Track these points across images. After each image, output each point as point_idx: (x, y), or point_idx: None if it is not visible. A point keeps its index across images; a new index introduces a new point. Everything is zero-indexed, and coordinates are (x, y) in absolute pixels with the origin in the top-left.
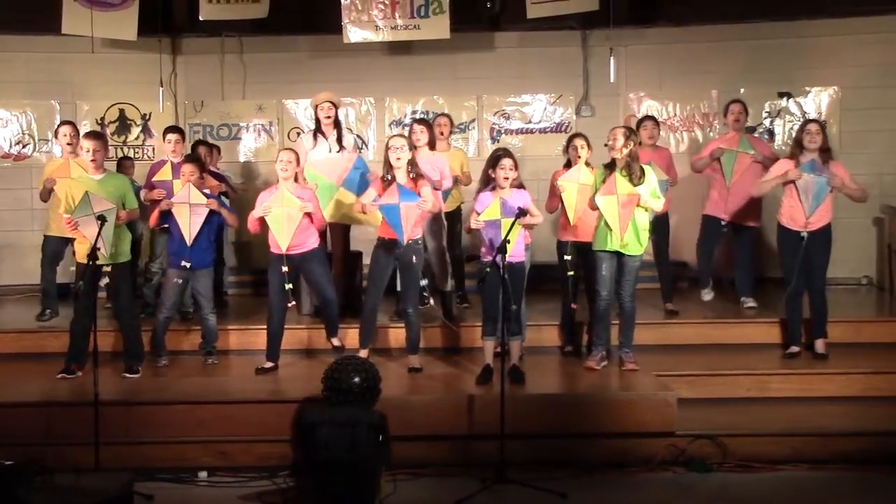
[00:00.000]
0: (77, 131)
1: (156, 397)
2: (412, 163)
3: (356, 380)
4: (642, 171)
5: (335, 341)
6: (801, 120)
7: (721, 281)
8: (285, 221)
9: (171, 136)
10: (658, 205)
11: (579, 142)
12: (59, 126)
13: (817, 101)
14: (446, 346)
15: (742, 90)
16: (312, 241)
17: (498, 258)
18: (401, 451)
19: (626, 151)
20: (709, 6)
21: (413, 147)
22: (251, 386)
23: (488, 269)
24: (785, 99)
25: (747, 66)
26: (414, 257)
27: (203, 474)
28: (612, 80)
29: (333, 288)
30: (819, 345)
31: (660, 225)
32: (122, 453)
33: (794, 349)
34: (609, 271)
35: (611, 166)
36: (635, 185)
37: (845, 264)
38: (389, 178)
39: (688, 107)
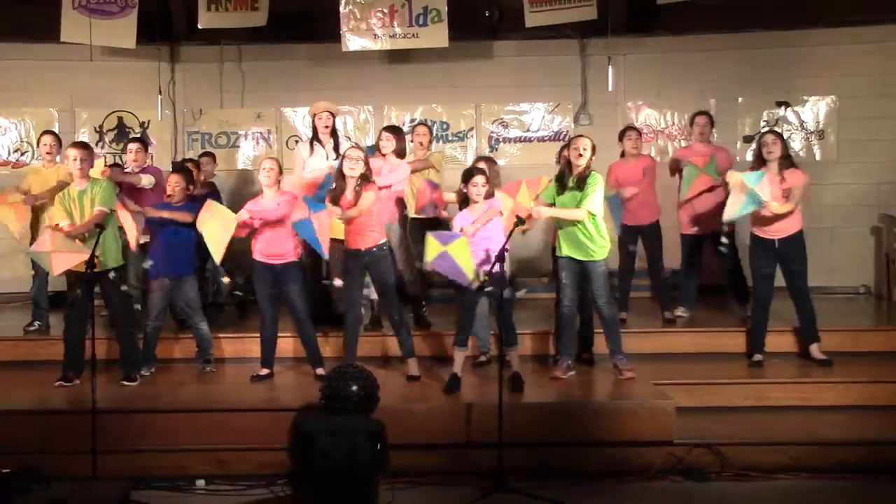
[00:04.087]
0: (59, 141)
1: (153, 405)
2: (364, 177)
3: (354, 388)
4: (589, 174)
5: (320, 371)
6: (799, 129)
7: (718, 290)
8: (217, 240)
9: (133, 146)
10: (578, 214)
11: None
12: (41, 136)
13: (815, 110)
14: (444, 354)
15: (740, 99)
16: (290, 253)
17: (486, 269)
18: (399, 460)
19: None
20: (707, 15)
21: (381, 154)
22: (248, 394)
23: (485, 279)
24: (783, 108)
25: (745, 76)
26: (382, 264)
27: (201, 482)
28: (610, 89)
29: (307, 309)
30: (814, 350)
31: (652, 234)
32: (120, 462)
33: (758, 357)
34: (570, 279)
35: (560, 178)
36: (581, 191)
37: (843, 273)
38: (337, 188)
39: (686, 116)
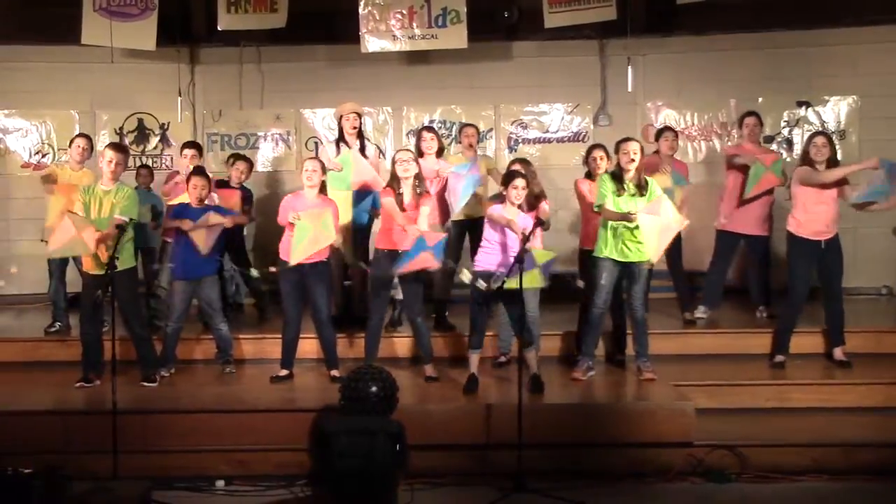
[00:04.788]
0: (91, 145)
1: (173, 406)
2: (419, 177)
3: (374, 389)
4: (647, 182)
5: (335, 373)
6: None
7: (739, 291)
8: (308, 241)
9: (188, 151)
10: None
11: (598, 153)
12: (74, 138)
13: (836, 110)
14: (464, 356)
15: (760, 99)
16: (319, 254)
17: (499, 271)
18: (418, 461)
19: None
20: (727, 15)
21: (420, 154)
22: (268, 395)
23: (505, 280)
24: (804, 108)
25: (766, 75)
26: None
27: (220, 483)
28: (629, 90)
29: (329, 311)
30: (838, 353)
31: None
32: (140, 462)
33: (780, 358)
34: (609, 280)
35: (617, 177)
36: (642, 197)
37: (866, 274)
38: (400, 192)
39: (706, 116)
